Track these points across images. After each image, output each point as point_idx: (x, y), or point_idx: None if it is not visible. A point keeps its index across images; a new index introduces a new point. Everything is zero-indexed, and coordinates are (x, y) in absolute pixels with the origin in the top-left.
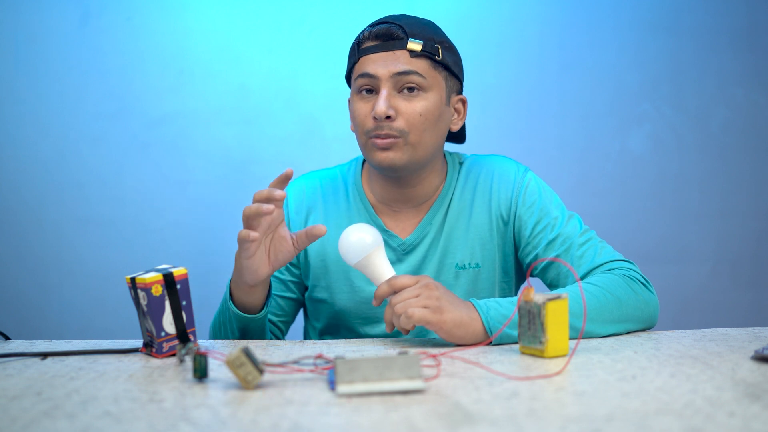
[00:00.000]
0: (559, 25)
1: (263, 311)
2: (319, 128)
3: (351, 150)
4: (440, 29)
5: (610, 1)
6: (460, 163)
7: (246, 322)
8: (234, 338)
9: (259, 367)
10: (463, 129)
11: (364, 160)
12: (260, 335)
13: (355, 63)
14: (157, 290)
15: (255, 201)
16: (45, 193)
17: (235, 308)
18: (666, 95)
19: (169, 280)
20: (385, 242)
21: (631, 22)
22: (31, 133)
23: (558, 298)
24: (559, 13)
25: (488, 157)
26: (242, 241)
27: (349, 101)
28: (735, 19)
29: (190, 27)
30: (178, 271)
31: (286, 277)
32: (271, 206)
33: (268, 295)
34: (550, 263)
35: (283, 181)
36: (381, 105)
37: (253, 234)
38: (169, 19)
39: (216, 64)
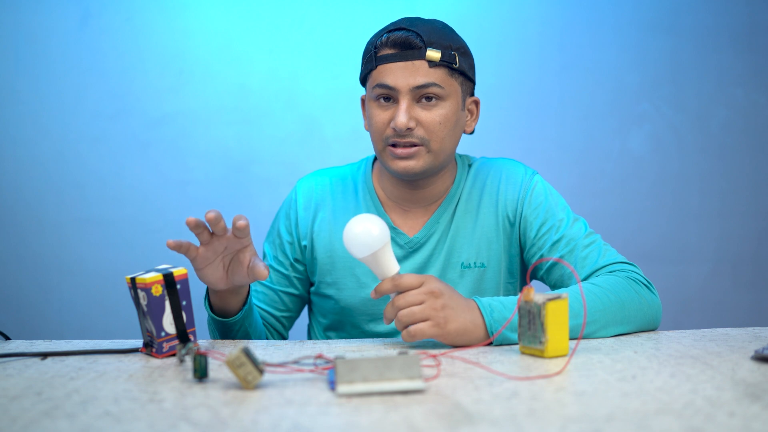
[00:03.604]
0: (559, 25)
1: (236, 316)
2: (319, 128)
3: (351, 150)
4: (455, 33)
5: (610, 1)
6: (469, 165)
7: (218, 324)
8: (216, 338)
9: (259, 367)
10: None
11: (374, 159)
12: (244, 337)
13: (371, 69)
14: (157, 290)
15: (206, 218)
16: (45, 193)
17: (208, 309)
18: (666, 95)
19: (169, 280)
20: (392, 239)
21: (631, 22)
22: (31, 133)
23: (558, 298)
24: (559, 13)
25: (497, 160)
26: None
27: (362, 100)
28: (735, 19)
29: (190, 27)
30: (178, 271)
31: (291, 273)
32: (192, 218)
33: (246, 302)
34: (554, 265)
35: (239, 230)
36: (402, 118)
37: (171, 242)
38: (169, 19)
39: (216, 64)
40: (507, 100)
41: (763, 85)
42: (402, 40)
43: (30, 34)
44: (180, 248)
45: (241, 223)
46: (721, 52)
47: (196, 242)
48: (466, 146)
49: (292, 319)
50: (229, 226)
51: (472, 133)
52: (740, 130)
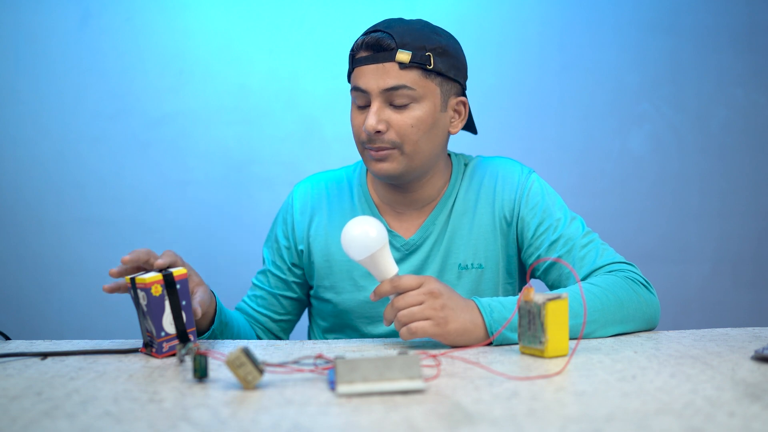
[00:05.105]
0: (559, 25)
1: (205, 335)
2: (319, 128)
3: (351, 150)
4: (436, 32)
5: (610, 1)
6: (465, 164)
7: None
8: None
9: (259, 367)
10: (471, 120)
11: None
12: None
13: (350, 72)
14: (157, 290)
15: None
16: (45, 193)
17: None
18: (666, 95)
19: (168, 280)
20: (389, 242)
21: (631, 22)
22: (31, 133)
23: (558, 298)
24: (559, 13)
25: (493, 159)
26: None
27: None
28: (735, 19)
29: (190, 27)
30: (177, 271)
31: (288, 277)
32: (106, 286)
33: (213, 321)
34: (552, 265)
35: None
36: (371, 120)
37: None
38: (169, 19)
39: (216, 64)
40: (507, 100)
41: (763, 85)
42: (374, 41)
43: (30, 34)
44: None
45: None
46: (721, 52)
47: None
48: (465, 146)
49: (291, 323)
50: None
51: (473, 129)
52: (740, 130)
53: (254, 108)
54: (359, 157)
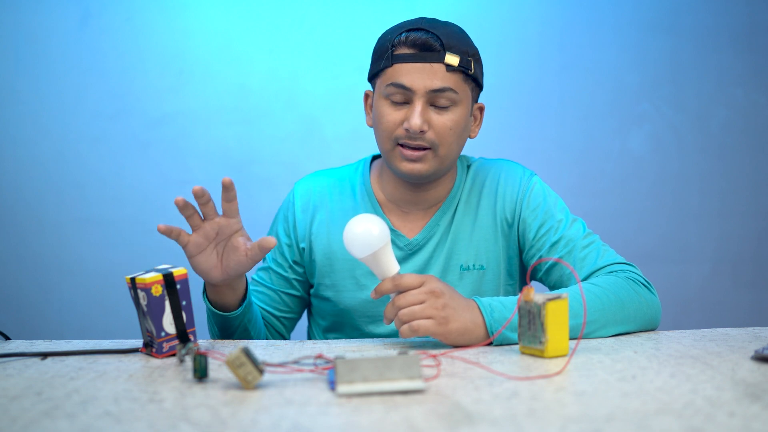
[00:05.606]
0: (559, 25)
1: (236, 311)
2: (319, 128)
3: (351, 150)
4: (470, 38)
5: (610, 1)
6: (468, 166)
7: (218, 318)
8: (217, 337)
9: (259, 367)
10: None
11: (372, 160)
12: (243, 335)
13: (386, 67)
14: (157, 290)
15: (192, 191)
16: (45, 193)
17: (208, 303)
18: (666, 95)
19: (169, 280)
20: (392, 241)
21: (631, 22)
22: (31, 133)
23: (558, 298)
24: (559, 13)
25: (495, 161)
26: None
27: (366, 96)
28: (735, 19)
29: (190, 27)
30: (178, 271)
31: (290, 275)
32: (180, 198)
33: (244, 297)
34: (553, 266)
35: (227, 190)
36: (416, 120)
37: (162, 226)
38: (169, 19)
39: (216, 64)
40: (507, 100)
41: (763, 85)
42: (422, 41)
43: (30, 34)
44: (171, 233)
45: (226, 179)
46: (721, 52)
47: (188, 230)
48: (466, 146)
49: (293, 320)
50: (219, 210)
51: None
52: (740, 130)
53: (254, 108)
54: (359, 157)
